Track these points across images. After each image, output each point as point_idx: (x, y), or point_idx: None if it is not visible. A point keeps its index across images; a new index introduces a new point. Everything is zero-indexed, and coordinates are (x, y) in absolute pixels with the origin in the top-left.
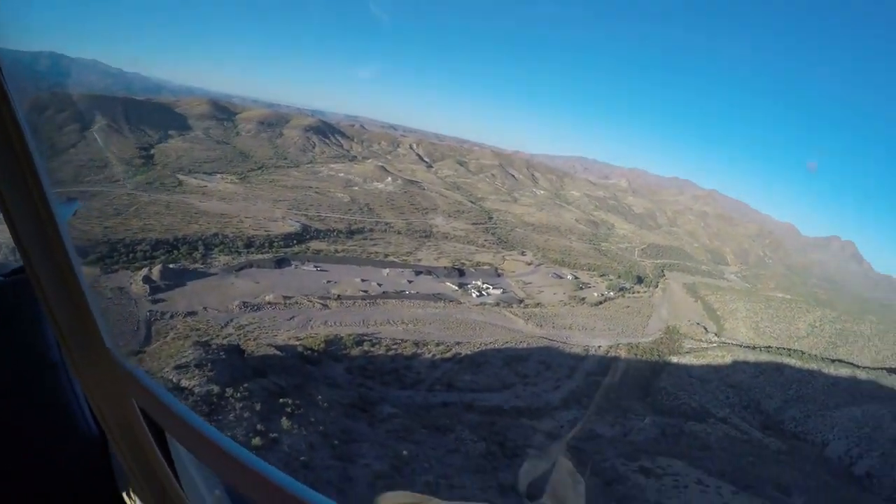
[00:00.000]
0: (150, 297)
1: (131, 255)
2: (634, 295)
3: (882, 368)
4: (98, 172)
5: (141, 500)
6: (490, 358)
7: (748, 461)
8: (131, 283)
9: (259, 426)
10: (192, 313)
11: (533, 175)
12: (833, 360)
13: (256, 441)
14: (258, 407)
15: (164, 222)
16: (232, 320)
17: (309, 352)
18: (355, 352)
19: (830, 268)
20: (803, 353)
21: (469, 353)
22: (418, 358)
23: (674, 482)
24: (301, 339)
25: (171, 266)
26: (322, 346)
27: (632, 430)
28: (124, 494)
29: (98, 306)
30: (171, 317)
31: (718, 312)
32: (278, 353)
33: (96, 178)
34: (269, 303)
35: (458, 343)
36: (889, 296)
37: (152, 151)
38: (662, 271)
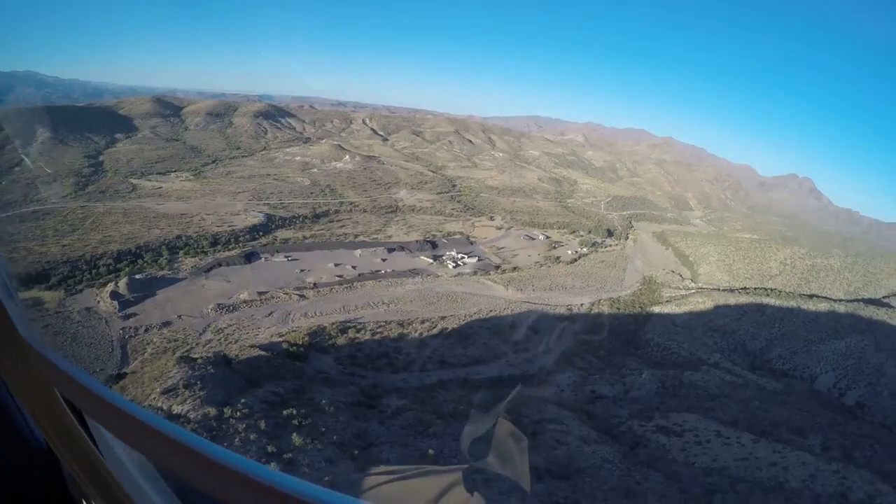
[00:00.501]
0: (120, 314)
1: (94, 272)
2: (607, 249)
3: (857, 300)
4: (47, 188)
5: (87, 495)
6: (477, 329)
7: (755, 406)
8: (99, 302)
9: (270, 447)
10: (166, 324)
11: (490, 138)
12: (810, 296)
13: (273, 466)
14: (263, 425)
15: (124, 231)
16: (209, 325)
17: (295, 347)
18: (341, 340)
19: (791, 205)
20: (779, 291)
21: (455, 326)
22: (406, 338)
23: (695, 438)
24: (284, 335)
25: (137, 277)
26: (306, 339)
27: (632, 386)
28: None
29: (9, 295)
30: (146, 331)
31: (691, 258)
32: (264, 353)
33: (46, 195)
34: (244, 301)
35: (442, 318)
36: (850, 228)
37: (101, 158)
38: (630, 222)
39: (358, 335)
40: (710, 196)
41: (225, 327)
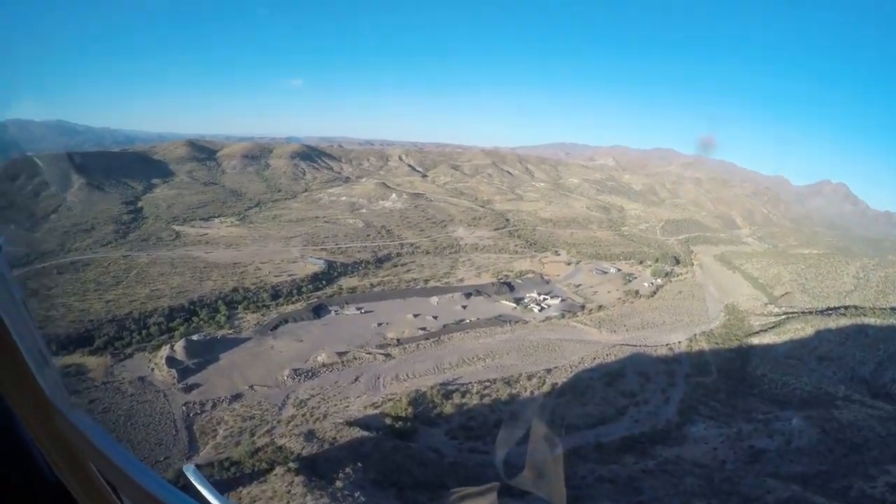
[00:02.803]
0: (180, 385)
1: (144, 332)
2: (678, 278)
3: None
4: (85, 237)
5: None
6: (588, 381)
7: None
8: (153, 369)
9: None
10: (237, 396)
11: (527, 168)
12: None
13: None
14: None
15: (174, 284)
16: (288, 397)
17: (399, 422)
18: (448, 408)
19: (829, 212)
20: (875, 309)
21: (565, 380)
22: (517, 399)
23: None
24: (380, 406)
25: (194, 338)
26: (409, 410)
27: (790, 435)
28: None
29: (42, 364)
30: (214, 406)
31: (761, 280)
32: (365, 433)
33: (85, 245)
34: (323, 365)
35: (548, 371)
36: (892, 231)
37: (139, 204)
38: (689, 247)
39: (465, 400)
40: (752, 212)
41: (307, 398)
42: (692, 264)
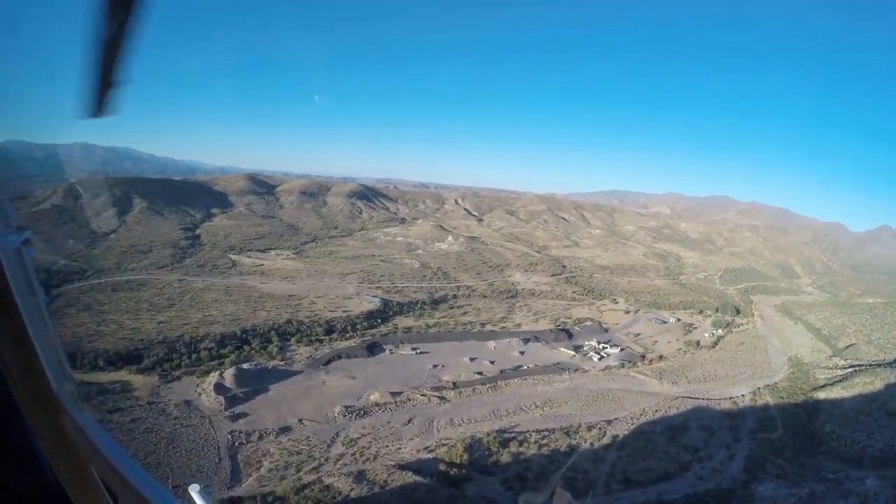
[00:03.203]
0: (227, 412)
1: (194, 356)
2: (739, 329)
3: None
4: (142, 258)
5: None
6: (649, 435)
7: None
8: (200, 394)
9: None
10: (285, 430)
11: (582, 215)
12: None
13: None
14: None
15: (227, 311)
16: (338, 434)
17: (453, 469)
18: (504, 457)
19: (891, 260)
20: None
21: (626, 432)
22: (577, 451)
23: None
24: (434, 450)
25: (245, 367)
26: (464, 456)
27: (866, 498)
28: None
29: (49, 355)
30: (261, 438)
31: (825, 332)
32: (418, 478)
33: (141, 265)
34: (376, 404)
35: (608, 423)
36: None
37: (198, 231)
38: (748, 296)
39: (522, 449)
40: (811, 260)
41: (358, 437)
42: (753, 315)
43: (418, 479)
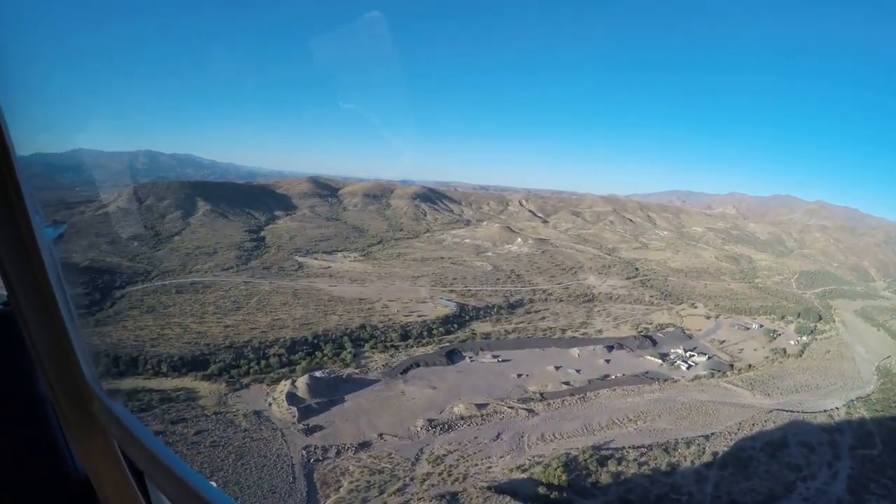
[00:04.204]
0: (301, 425)
1: (264, 363)
2: (823, 335)
3: None
4: (207, 260)
5: None
6: (749, 452)
7: None
8: (271, 404)
9: None
10: (364, 445)
11: (648, 216)
12: None
13: None
14: None
15: (297, 315)
16: (422, 451)
17: (553, 491)
18: (603, 476)
19: None
20: None
21: (725, 449)
22: (678, 470)
23: None
24: (528, 470)
25: (318, 375)
26: (562, 476)
27: None
28: None
29: (81, 343)
30: (338, 454)
31: None
32: (512, 502)
33: (206, 267)
34: (461, 417)
35: (706, 438)
36: None
37: (262, 234)
38: (826, 301)
39: (621, 468)
40: (886, 262)
41: (444, 454)
42: (833, 320)
43: (516, 503)
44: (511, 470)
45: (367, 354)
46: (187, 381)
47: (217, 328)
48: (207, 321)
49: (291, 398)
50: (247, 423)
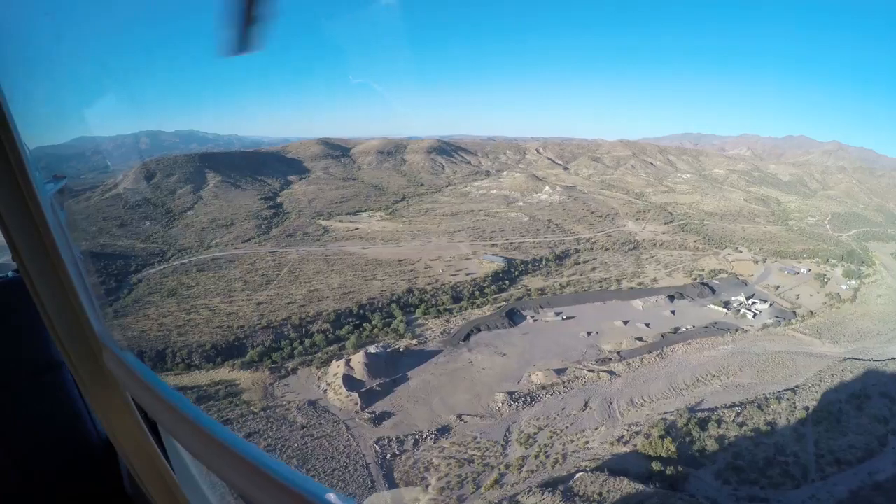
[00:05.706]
0: (365, 412)
1: (308, 342)
2: (870, 279)
3: None
4: (225, 233)
5: (145, 494)
6: (837, 404)
7: None
8: (326, 391)
9: None
10: (444, 430)
11: (668, 159)
12: None
13: None
14: None
15: (334, 284)
16: (509, 430)
17: (666, 465)
18: (708, 442)
19: None
20: None
21: (814, 403)
22: (776, 429)
23: None
24: (628, 442)
25: (373, 350)
26: (670, 446)
27: None
28: (129, 488)
29: (90, 300)
30: (416, 444)
31: None
32: (637, 485)
33: (225, 240)
34: (541, 387)
35: (792, 391)
36: None
37: (279, 200)
38: (863, 243)
39: (721, 431)
40: None
41: (534, 433)
42: (874, 263)
43: (638, 486)
44: (611, 444)
45: (419, 322)
46: (224, 373)
47: (249, 307)
48: (237, 300)
49: (348, 381)
50: (303, 418)
